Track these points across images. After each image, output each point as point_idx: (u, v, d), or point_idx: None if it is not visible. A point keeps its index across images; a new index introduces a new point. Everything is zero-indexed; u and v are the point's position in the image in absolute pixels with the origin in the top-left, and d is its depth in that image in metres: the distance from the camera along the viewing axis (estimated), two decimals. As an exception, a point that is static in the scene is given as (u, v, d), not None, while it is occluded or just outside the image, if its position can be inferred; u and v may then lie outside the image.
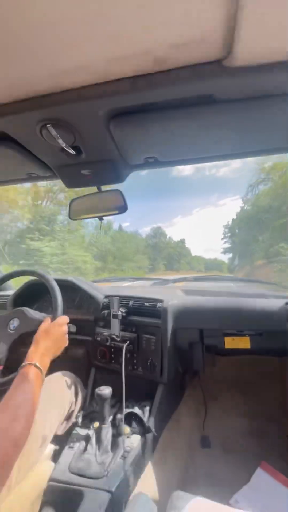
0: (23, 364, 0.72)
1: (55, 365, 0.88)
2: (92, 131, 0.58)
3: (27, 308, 0.98)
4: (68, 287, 1.23)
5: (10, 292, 1.33)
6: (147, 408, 1.01)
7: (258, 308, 1.03)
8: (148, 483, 0.87)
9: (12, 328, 0.95)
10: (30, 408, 0.63)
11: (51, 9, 0.34)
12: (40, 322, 0.89)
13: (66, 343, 0.88)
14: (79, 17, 0.35)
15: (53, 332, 0.82)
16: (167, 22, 0.36)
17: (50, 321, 0.88)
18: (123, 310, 1.08)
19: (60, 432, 0.91)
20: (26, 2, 0.33)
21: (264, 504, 0.93)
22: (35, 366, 0.71)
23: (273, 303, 1.02)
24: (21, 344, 0.93)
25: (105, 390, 0.86)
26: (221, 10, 0.34)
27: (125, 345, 1.04)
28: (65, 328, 0.87)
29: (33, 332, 0.85)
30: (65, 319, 0.90)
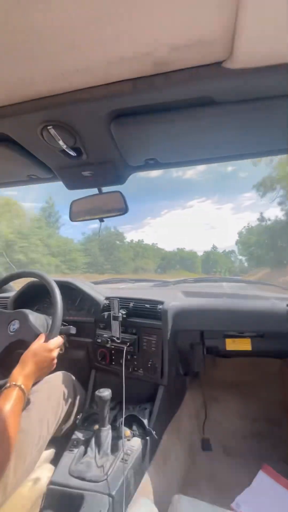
0: (8, 384, 0.72)
1: (56, 366, 0.88)
2: (93, 133, 0.58)
3: (29, 311, 0.98)
4: (68, 289, 1.23)
5: (11, 294, 1.33)
6: (147, 411, 1.00)
7: (259, 309, 1.02)
8: (148, 487, 0.86)
9: (12, 330, 0.95)
10: (12, 434, 0.64)
11: (52, 12, 0.34)
12: (36, 335, 0.88)
13: (53, 368, 0.86)
14: (80, 20, 0.35)
15: (41, 357, 0.81)
16: (167, 25, 0.36)
17: (43, 339, 0.86)
18: (123, 312, 1.07)
19: (59, 434, 0.91)
20: (27, 5, 0.33)
21: (266, 508, 0.92)
22: (20, 387, 0.71)
23: (274, 305, 1.02)
24: (17, 346, 0.92)
25: (105, 392, 0.86)
26: (221, 12, 0.34)
27: (125, 347, 1.03)
28: (54, 354, 0.85)
29: (29, 342, 0.85)
30: (58, 342, 0.88)
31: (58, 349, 0.88)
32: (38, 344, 0.84)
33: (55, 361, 0.86)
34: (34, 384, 0.82)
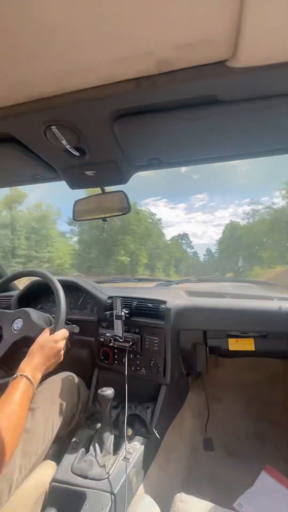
0: (15, 375, 0.73)
1: (59, 366, 0.88)
2: (96, 132, 0.58)
3: (32, 309, 0.99)
4: (71, 288, 1.23)
5: (15, 293, 1.34)
6: (150, 410, 1.00)
7: (262, 309, 1.02)
8: (150, 485, 0.86)
9: (15, 329, 0.96)
10: (17, 421, 0.65)
11: (55, 12, 0.34)
12: (41, 330, 0.89)
13: (61, 359, 0.87)
14: (83, 19, 0.35)
15: (49, 349, 0.82)
16: (171, 24, 0.36)
17: (49, 332, 0.88)
18: (126, 311, 1.07)
19: (63, 433, 0.91)
20: (30, 6, 0.33)
21: (268, 508, 0.92)
22: (27, 378, 0.72)
23: (278, 305, 1.01)
24: (22, 344, 0.93)
25: (108, 391, 0.86)
26: (225, 11, 0.34)
27: (128, 346, 1.03)
28: (61, 345, 0.87)
29: (34, 339, 0.86)
30: (63, 334, 0.89)
31: (65, 340, 0.89)
32: (44, 336, 0.86)
33: (62, 352, 0.88)
34: (43, 378, 0.83)
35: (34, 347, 0.82)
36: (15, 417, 0.65)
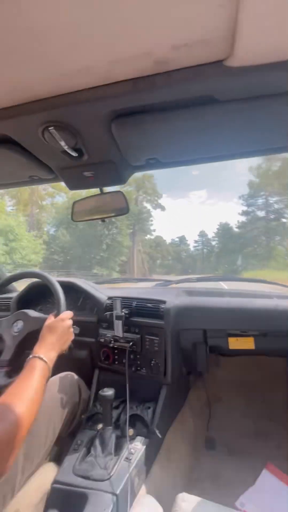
0: (28, 358, 0.74)
1: (59, 367, 0.88)
2: (94, 133, 0.58)
3: (29, 310, 0.99)
4: (71, 289, 1.23)
5: (14, 295, 1.34)
6: (151, 410, 1.00)
7: (262, 308, 1.02)
8: (152, 485, 0.86)
9: (16, 331, 0.95)
10: (33, 393, 0.64)
11: (52, 13, 0.34)
12: (44, 320, 0.90)
13: (72, 336, 0.90)
14: (80, 20, 0.35)
15: (58, 327, 0.84)
16: (168, 24, 0.36)
17: (53, 317, 0.90)
18: (126, 312, 1.07)
19: (64, 434, 0.91)
20: (27, 6, 0.33)
21: (270, 506, 0.92)
22: (40, 358, 0.73)
23: (277, 303, 1.01)
24: (28, 345, 0.93)
25: (109, 392, 0.86)
26: (222, 10, 0.34)
27: (128, 346, 1.03)
28: (69, 322, 0.89)
29: (39, 331, 0.86)
30: (68, 313, 0.92)
31: (71, 321, 0.91)
32: (50, 319, 0.88)
33: (72, 330, 0.90)
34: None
35: (43, 331, 0.83)
36: (29, 391, 0.64)
